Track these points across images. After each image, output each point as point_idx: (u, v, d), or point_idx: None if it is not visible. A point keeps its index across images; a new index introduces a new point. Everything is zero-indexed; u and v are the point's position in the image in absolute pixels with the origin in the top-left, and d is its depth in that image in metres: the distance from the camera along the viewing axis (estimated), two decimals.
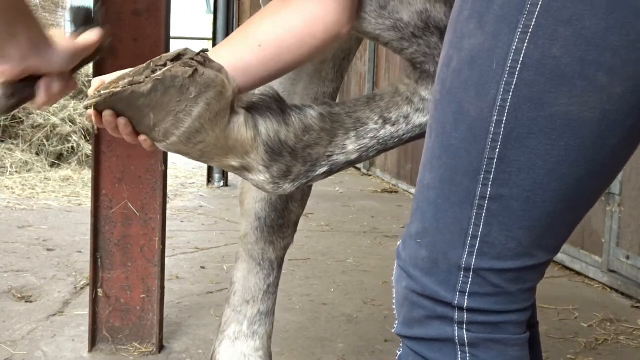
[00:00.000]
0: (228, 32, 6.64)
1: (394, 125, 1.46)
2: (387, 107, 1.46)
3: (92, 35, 1.42)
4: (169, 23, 2.65)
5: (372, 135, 1.45)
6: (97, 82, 1.33)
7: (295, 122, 1.40)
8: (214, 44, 6.58)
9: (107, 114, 1.27)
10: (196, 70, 1.24)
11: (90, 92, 1.31)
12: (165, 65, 1.25)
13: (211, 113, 1.28)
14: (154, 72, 1.25)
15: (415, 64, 1.44)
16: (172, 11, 2.72)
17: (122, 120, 1.28)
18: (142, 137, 1.31)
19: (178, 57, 1.26)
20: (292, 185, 1.42)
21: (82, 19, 1.44)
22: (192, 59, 1.25)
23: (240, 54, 1.36)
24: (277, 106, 1.40)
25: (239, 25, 9.83)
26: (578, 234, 4.01)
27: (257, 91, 1.43)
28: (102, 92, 1.27)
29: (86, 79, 7.41)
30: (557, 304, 3.48)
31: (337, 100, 2.03)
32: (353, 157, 1.45)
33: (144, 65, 1.27)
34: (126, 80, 1.26)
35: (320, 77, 2.01)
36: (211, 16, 6.89)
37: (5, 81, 1.34)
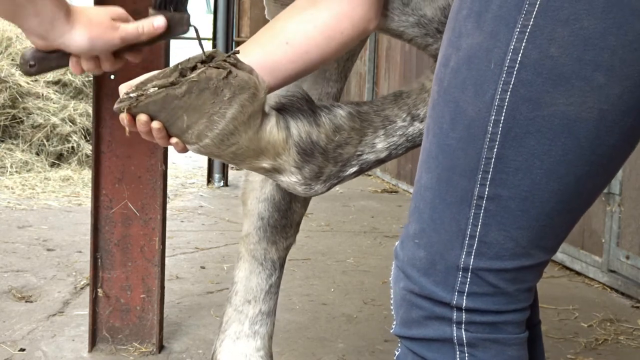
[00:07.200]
0: (228, 32, 6.63)
1: (422, 121, 1.47)
2: (414, 104, 1.47)
3: (147, 23, 1.45)
4: None
5: (400, 133, 1.46)
6: (124, 86, 1.32)
7: (326, 122, 1.41)
8: (214, 44, 6.57)
9: (142, 117, 1.27)
10: (230, 72, 1.24)
11: (122, 95, 1.30)
12: (195, 67, 1.25)
13: (244, 115, 1.27)
14: (182, 73, 1.24)
15: None
16: None
17: (156, 124, 1.28)
18: (173, 140, 1.31)
19: (209, 58, 1.25)
20: (323, 185, 1.42)
21: (159, 3, 1.46)
22: (225, 60, 1.25)
23: (268, 53, 1.36)
24: (308, 107, 1.40)
25: (239, 25, 9.73)
26: (578, 234, 4.01)
27: (283, 92, 1.43)
28: (133, 95, 1.26)
29: (86, 79, 7.41)
30: (557, 304, 3.48)
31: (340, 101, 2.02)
32: (383, 155, 1.46)
33: (172, 67, 1.27)
34: (154, 83, 1.25)
35: (324, 77, 2.01)
36: (211, 16, 6.88)
37: (35, 49, 1.38)
